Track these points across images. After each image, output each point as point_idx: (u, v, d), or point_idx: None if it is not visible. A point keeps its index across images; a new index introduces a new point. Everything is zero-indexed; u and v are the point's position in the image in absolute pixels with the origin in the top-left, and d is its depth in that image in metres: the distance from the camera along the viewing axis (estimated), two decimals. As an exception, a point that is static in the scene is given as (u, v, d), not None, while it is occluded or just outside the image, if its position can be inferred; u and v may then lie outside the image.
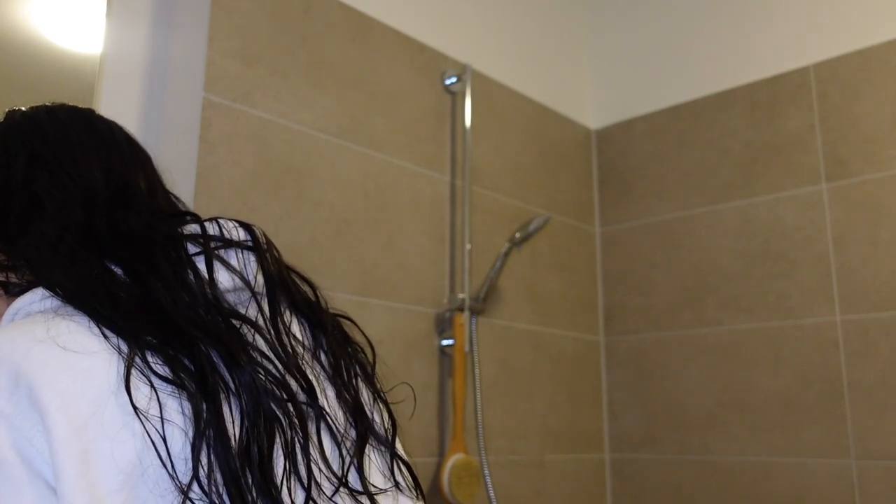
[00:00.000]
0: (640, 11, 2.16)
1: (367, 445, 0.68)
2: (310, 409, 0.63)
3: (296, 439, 0.60)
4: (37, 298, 0.61)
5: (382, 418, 0.72)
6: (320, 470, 0.62)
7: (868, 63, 1.72)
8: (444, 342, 1.61)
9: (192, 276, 0.62)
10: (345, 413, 0.68)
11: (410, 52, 1.68)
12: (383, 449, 0.69)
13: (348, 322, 0.76)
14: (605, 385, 2.03)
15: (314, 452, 0.62)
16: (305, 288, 0.74)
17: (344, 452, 0.65)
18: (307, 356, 0.68)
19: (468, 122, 1.73)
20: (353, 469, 0.65)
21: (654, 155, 2.04)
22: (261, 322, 0.66)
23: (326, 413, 0.65)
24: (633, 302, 2.01)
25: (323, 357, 0.70)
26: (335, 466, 0.63)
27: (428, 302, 1.61)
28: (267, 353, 0.63)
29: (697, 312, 1.89)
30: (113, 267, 0.62)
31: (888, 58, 1.70)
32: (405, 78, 1.66)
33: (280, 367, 0.63)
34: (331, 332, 0.72)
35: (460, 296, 1.62)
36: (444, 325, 1.62)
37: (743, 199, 1.86)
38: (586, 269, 2.06)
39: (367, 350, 0.76)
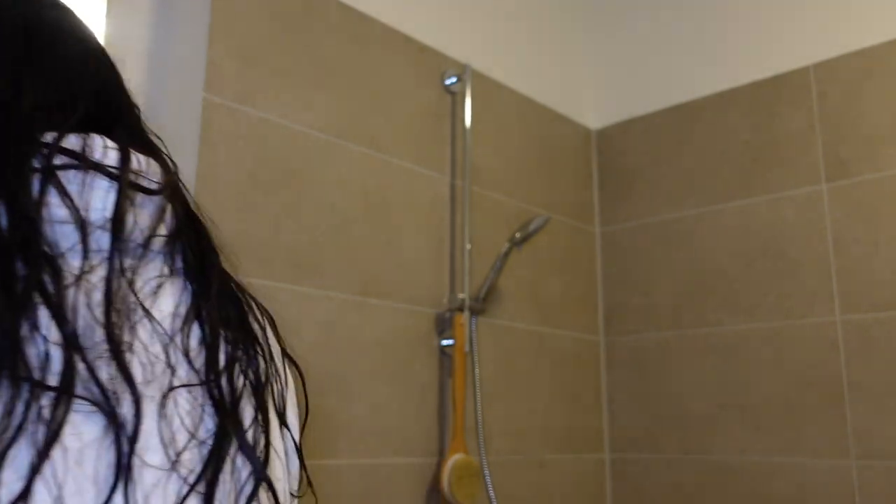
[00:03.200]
0: (640, 12, 2.16)
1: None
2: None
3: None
4: None
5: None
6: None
7: (868, 63, 1.72)
8: (444, 342, 1.61)
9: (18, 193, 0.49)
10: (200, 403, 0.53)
11: (410, 52, 1.68)
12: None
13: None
14: (605, 385, 2.03)
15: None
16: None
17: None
18: (162, 330, 0.53)
19: (468, 122, 1.73)
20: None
21: (654, 155, 2.04)
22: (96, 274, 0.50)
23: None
24: (633, 302, 2.01)
25: (193, 336, 0.55)
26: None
27: (428, 302, 1.61)
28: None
29: (697, 312, 1.89)
30: None
31: (888, 58, 1.70)
32: (405, 78, 1.66)
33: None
34: (216, 302, 0.58)
35: (460, 296, 1.62)
36: (444, 325, 1.62)
37: (743, 199, 1.86)
38: (586, 269, 2.06)
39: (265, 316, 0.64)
